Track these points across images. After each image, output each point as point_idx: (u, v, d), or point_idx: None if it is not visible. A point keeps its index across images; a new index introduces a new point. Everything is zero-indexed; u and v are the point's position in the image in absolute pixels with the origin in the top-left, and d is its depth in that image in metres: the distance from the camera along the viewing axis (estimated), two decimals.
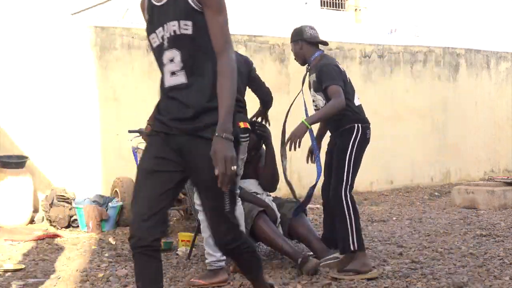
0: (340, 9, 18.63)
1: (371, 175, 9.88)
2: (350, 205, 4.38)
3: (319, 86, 4.56)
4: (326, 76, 4.50)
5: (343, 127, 4.51)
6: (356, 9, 18.57)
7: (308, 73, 4.78)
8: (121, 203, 6.96)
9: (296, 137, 4.29)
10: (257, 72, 4.98)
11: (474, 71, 11.69)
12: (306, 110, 4.85)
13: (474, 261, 4.80)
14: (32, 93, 7.68)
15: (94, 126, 8.01)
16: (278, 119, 9.27)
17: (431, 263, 4.76)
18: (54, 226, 6.98)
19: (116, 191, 7.21)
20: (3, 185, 7.11)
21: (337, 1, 18.56)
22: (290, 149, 4.32)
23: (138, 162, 7.48)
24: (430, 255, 5.05)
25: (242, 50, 9.11)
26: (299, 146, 4.29)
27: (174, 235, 6.17)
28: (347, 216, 4.35)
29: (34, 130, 7.68)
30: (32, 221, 7.32)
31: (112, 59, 8.15)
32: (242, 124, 4.34)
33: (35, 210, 7.49)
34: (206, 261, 4.21)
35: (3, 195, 7.09)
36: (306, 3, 17.29)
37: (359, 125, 4.51)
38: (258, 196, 4.97)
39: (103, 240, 6.16)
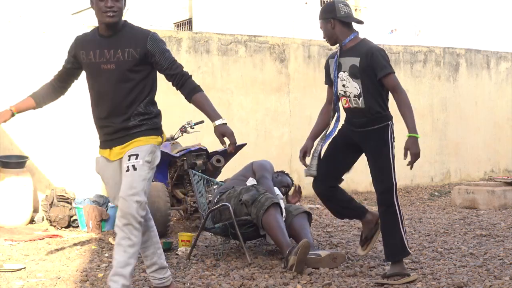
0: None
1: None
2: (400, 207, 4.22)
3: (363, 73, 4.14)
4: (384, 62, 4.14)
5: (378, 125, 4.24)
6: (356, 9, 18.61)
7: (338, 55, 4.27)
8: None
9: (418, 152, 4.28)
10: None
11: (474, 71, 11.69)
12: (336, 100, 4.37)
13: (474, 261, 4.80)
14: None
15: (94, 126, 8.01)
16: (279, 119, 9.34)
17: (431, 263, 4.75)
18: (54, 226, 6.98)
19: None
20: (3, 185, 7.12)
21: None
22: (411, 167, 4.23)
23: None
24: (430, 255, 5.05)
25: (242, 50, 9.12)
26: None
27: (174, 235, 6.17)
28: (399, 220, 4.16)
29: (34, 130, 7.68)
30: (32, 221, 7.33)
31: None
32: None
33: (35, 210, 7.49)
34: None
35: (3, 195, 7.10)
36: (306, 3, 17.32)
37: (391, 122, 4.32)
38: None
39: (103, 240, 6.16)
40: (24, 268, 4.85)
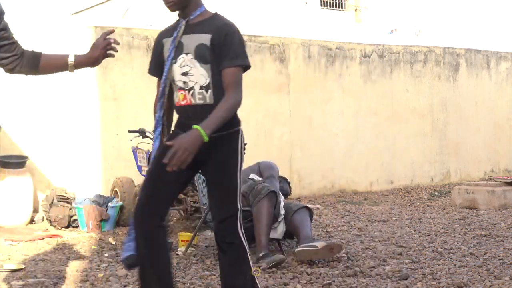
0: (340, 9, 18.67)
1: (371, 175, 9.88)
2: (245, 237, 3.09)
3: (214, 55, 2.97)
4: (240, 50, 2.98)
5: (227, 130, 3.04)
6: (356, 9, 18.61)
7: (180, 31, 3.05)
8: (121, 203, 6.96)
9: (189, 153, 2.74)
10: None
11: (474, 71, 11.69)
12: (163, 88, 3.08)
13: (474, 261, 4.80)
14: (32, 93, 7.68)
15: (94, 126, 8.01)
16: (279, 119, 9.33)
17: (431, 263, 4.76)
18: (54, 226, 6.98)
19: (116, 191, 7.22)
20: (3, 185, 7.11)
21: (337, 1, 18.59)
22: (171, 169, 2.76)
23: (138, 162, 7.49)
24: (430, 255, 5.05)
25: None
26: (185, 166, 2.77)
27: (174, 235, 6.17)
28: (247, 253, 3.09)
29: (34, 130, 7.68)
30: (32, 221, 7.32)
31: (111, 58, 8.13)
32: None
33: (35, 210, 7.49)
34: None
35: (3, 195, 7.09)
36: (306, 3, 17.32)
37: (241, 128, 3.18)
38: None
39: (103, 240, 6.16)
40: (24, 268, 4.85)
